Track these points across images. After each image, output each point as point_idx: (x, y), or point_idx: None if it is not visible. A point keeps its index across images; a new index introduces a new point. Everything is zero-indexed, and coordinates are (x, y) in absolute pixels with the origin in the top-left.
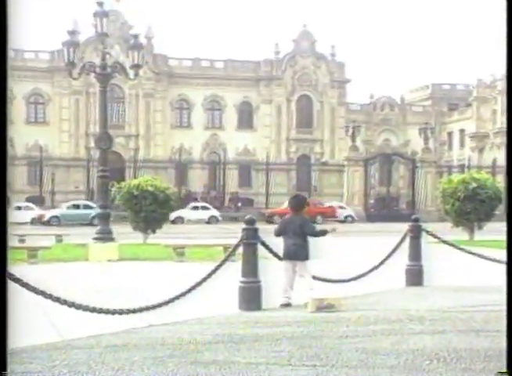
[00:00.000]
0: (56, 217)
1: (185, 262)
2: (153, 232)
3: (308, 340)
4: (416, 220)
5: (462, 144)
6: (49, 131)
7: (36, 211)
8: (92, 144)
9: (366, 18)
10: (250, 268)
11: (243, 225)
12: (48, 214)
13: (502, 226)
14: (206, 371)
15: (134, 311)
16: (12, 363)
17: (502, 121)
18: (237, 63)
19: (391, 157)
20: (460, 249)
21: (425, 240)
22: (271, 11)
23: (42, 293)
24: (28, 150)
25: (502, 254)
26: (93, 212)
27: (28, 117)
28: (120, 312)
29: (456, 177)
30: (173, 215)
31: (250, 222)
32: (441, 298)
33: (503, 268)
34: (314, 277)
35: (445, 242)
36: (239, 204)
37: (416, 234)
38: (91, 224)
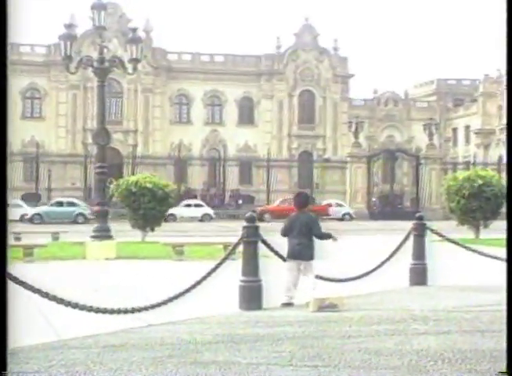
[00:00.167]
0: (39, 215)
1: (184, 261)
2: (152, 230)
3: (310, 340)
4: (421, 218)
5: (467, 140)
6: (46, 126)
7: (25, 209)
8: (90, 140)
9: (370, 11)
10: (251, 266)
11: (244, 223)
12: (30, 211)
13: None
14: (206, 372)
15: (132, 310)
16: (9, 363)
17: None
18: (238, 57)
19: (395, 154)
20: (465, 247)
21: (429, 238)
22: (272, 4)
23: (39, 292)
24: (24, 145)
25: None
26: (77, 210)
27: (24, 112)
28: (118, 311)
29: (462, 174)
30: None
31: (251, 219)
32: (446, 298)
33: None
34: (316, 276)
35: (449, 240)
36: (240, 202)
37: (420, 232)
38: (75, 222)
